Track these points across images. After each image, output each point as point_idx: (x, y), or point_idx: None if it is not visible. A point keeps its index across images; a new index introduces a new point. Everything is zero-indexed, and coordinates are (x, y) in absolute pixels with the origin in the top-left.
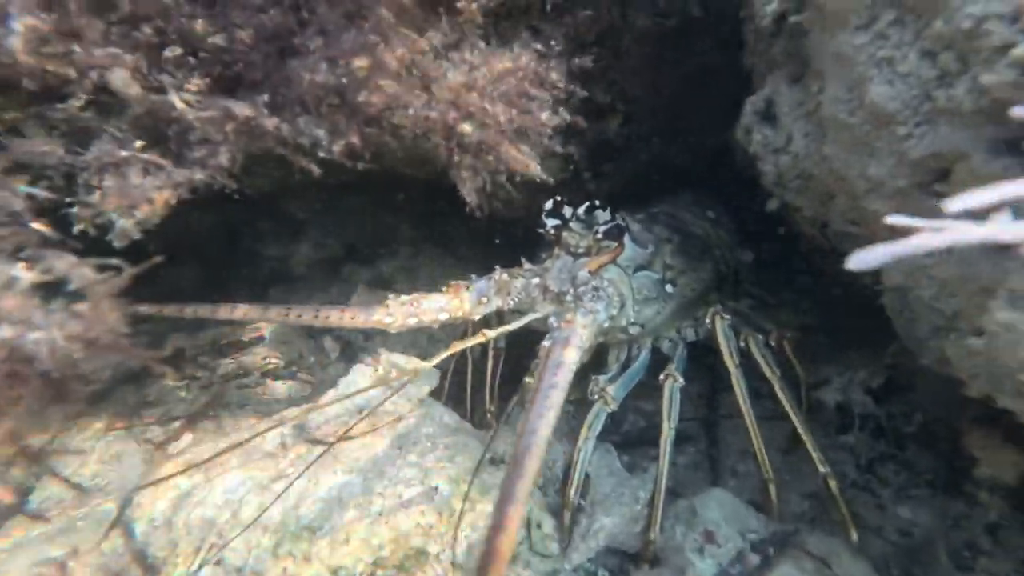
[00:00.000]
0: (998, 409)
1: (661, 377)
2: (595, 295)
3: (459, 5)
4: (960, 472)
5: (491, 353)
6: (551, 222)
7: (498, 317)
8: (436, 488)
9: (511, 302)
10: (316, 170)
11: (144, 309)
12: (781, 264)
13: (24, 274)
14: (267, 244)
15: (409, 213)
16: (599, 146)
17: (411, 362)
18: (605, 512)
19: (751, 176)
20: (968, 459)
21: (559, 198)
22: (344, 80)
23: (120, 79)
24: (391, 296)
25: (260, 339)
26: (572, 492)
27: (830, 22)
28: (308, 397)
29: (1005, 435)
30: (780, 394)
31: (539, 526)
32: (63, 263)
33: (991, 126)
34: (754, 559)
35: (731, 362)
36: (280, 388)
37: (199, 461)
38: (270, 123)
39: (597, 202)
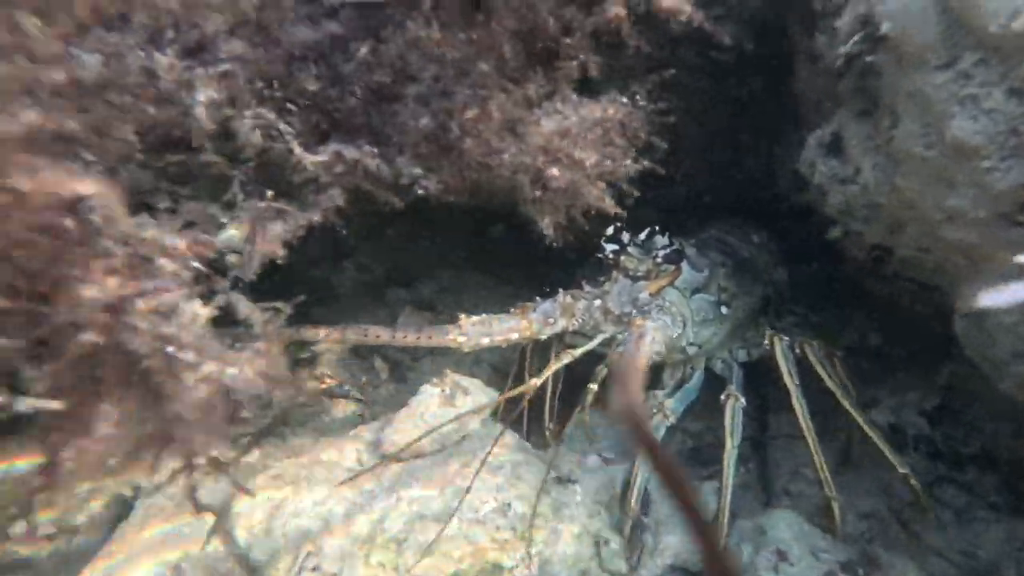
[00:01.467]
0: None
1: (723, 397)
2: (659, 312)
3: (558, 64)
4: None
5: (550, 375)
6: (610, 247)
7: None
8: (509, 505)
9: (575, 323)
10: (399, 204)
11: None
12: (823, 287)
13: (202, 311)
14: (312, 266)
15: (452, 238)
16: (643, 180)
17: (473, 384)
18: (669, 531)
19: (798, 202)
20: None
21: (619, 224)
22: (448, 127)
23: (246, 129)
24: (462, 317)
25: (314, 359)
26: (634, 504)
27: (907, 62)
28: (363, 416)
29: None
30: (844, 401)
31: (607, 543)
32: (244, 306)
33: None
34: None
35: (791, 381)
36: (337, 407)
37: (290, 475)
38: (372, 163)
39: (656, 227)
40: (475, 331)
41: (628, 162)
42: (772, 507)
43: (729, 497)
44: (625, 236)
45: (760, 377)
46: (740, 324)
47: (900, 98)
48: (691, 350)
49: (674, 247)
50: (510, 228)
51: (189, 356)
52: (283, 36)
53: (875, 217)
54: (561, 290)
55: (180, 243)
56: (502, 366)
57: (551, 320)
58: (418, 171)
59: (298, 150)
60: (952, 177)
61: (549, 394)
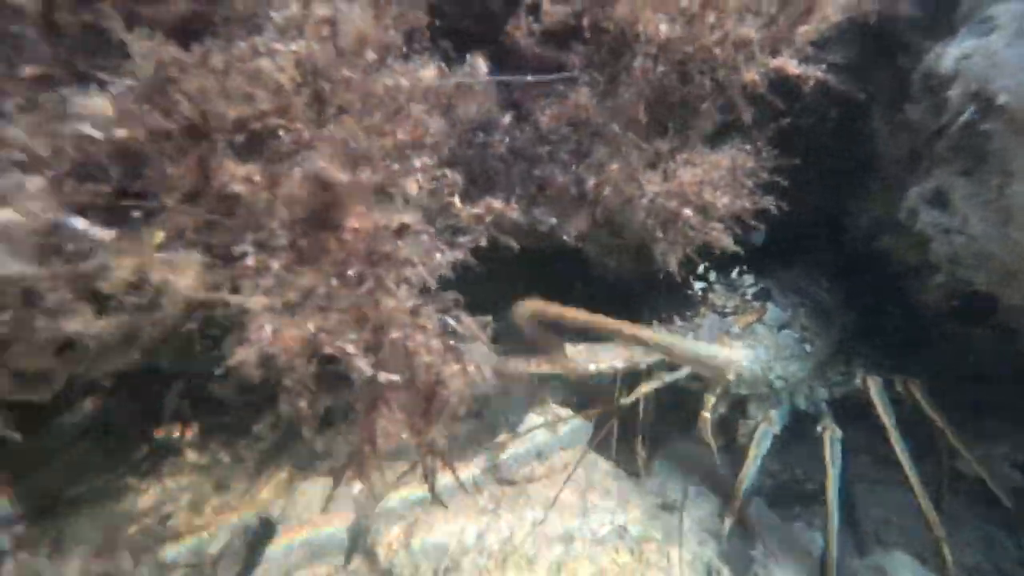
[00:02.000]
0: None
1: (819, 429)
2: (751, 342)
3: (691, 123)
4: None
5: (642, 404)
6: (698, 285)
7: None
8: (625, 528)
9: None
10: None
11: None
12: (892, 334)
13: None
14: None
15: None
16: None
17: (568, 412)
18: (779, 566)
19: (869, 251)
20: None
21: (707, 264)
22: (586, 181)
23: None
24: (568, 345)
25: None
26: (737, 501)
27: (1021, 130)
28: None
29: None
30: (951, 437)
31: (719, 573)
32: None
33: None
34: None
35: (888, 421)
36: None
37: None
38: (514, 214)
39: (745, 267)
40: (582, 359)
41: (748, 204)
42: (884, 549)
43: (836, 525)
44: (712, 275)
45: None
46: (821, 363)
47: (1014, 160)
48: (777, 383)
49: (761, 285)
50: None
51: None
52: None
53: (983, 266)
54: (656, 322)
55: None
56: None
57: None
58: (552, 220)
59: (457, 203)
60: None
61: (640, 422)
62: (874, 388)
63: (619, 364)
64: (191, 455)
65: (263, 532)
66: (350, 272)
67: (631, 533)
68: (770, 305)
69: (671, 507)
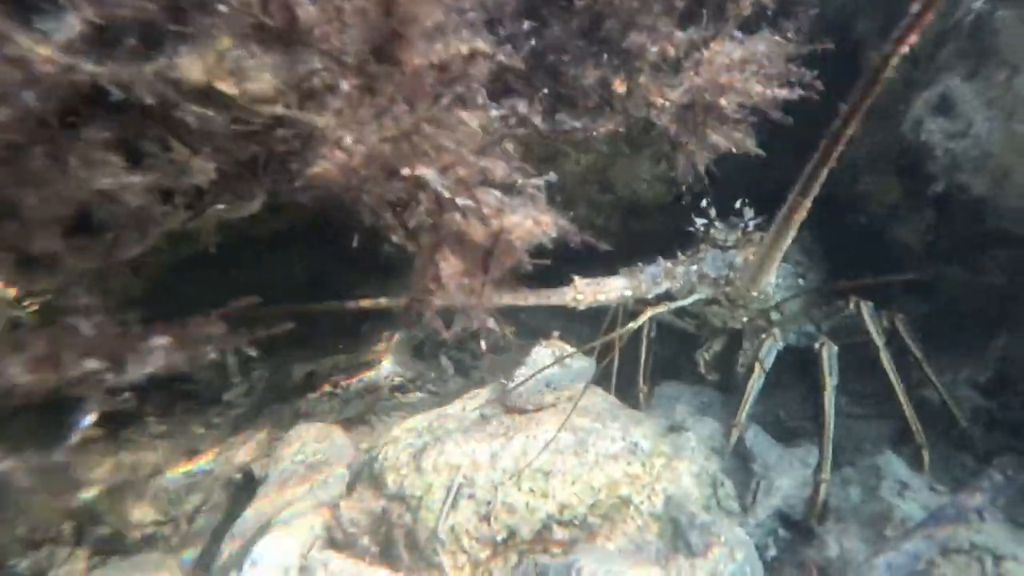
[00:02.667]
0: None
1: (817, 345)
2: None
3: (728, 6)
4: None
5: (645, 340)
6: (700, 221)
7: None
8: (636, 443)
9: (676, 285)
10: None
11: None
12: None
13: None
14: (357, 287)
15: None
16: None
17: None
18: (779, 474)
19: (849, 192)
20: None
21: (708, 199)
22: (612, 81)
23: None
24: (576, 278)
25: (378, 361)
26: (742, 416)
27: None
28: (440, 403)
29: None
30: (926, 368)
31: (722, 485)
32: None
33: None
34: (970, 500)
35: (879, 340)
36: (413, 398)
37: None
38: (537, 119)
39: (745, 200)
40: (589, 291)
41: (785, 91)
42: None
43: (831, 433)
44: (712, 212)
45: (811, 364)
46: (813, 298)
47: (1022, 52)
48: (774, 316)
49: (762, 218)
50: None
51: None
52: None
53: (982, 167)
54: (660, 257)
55: None
56: None
57: (658, 281)
58: (577, 124)
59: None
60: None
61: (643, 357)
62: (866, 311)
63: (627, 294)
64: (155, 426)
65: (246, 485)
66: (423, 92)
67: (642, 448)
68: None
69: (677, 428)
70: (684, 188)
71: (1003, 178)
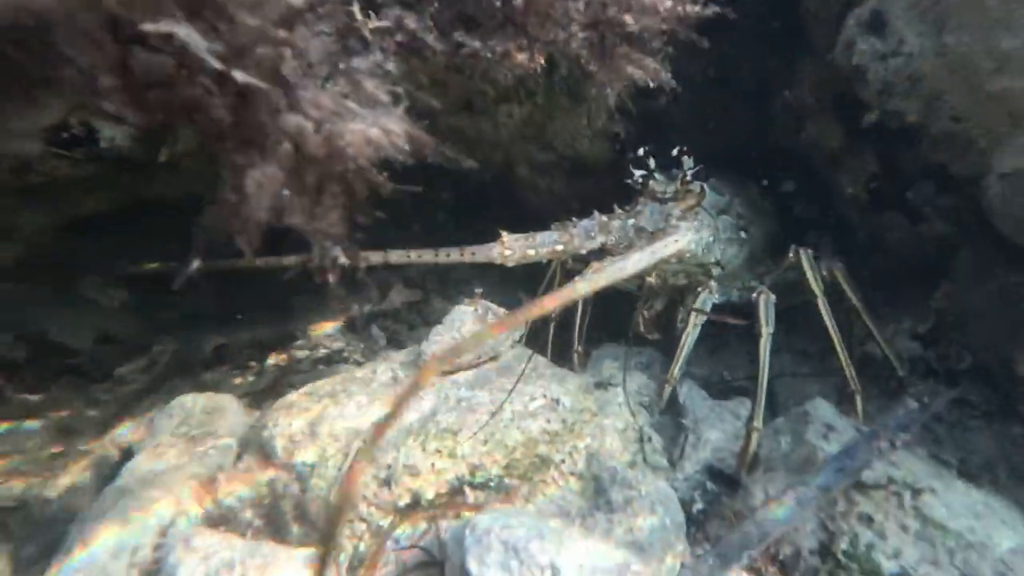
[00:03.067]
0: None
1: (754, 296)
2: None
3: None
4: (1015, 398)
5: (580, 301)
6: (638, 172)
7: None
8: (558, 400)
9: (611, 240)
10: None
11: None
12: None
13: None
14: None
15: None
16: (645, 123)
17: (500, 309)
18: (709, 427)
19: (793, 142)
20: (1022, 384)
21: (646, 148)
22: None
23: None
24: (504, 233)
25: (304, 334)
26: (676, 369)
27: None
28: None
29: None
30: (865, 316)
31: (650, 440)
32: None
33: None
34: (883, 429)
35: (817, 288)
36: (335, 371)
37: (324, 391)
38: (430, 36)
39: (684, 148)
40: (519, 246)
41: (698, 8)
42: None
43: (765, 381)
44: (651, 161)
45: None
46: (756, 252)
47: None
48: (715, 271)
49: (700, 167)
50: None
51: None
52: None
53: (914, 91)
54: (595, 211)
55: None
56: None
57: (592, 235)
58: (476, 43)
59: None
60: (1010, 17)
61: (579, 317)
62: (805, 259)
63: (558, 249)
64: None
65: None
66: None
67: (564, 404)
68: (707, 188)
69: (604, 384)
70: (622, 136)
71: (935, 100)
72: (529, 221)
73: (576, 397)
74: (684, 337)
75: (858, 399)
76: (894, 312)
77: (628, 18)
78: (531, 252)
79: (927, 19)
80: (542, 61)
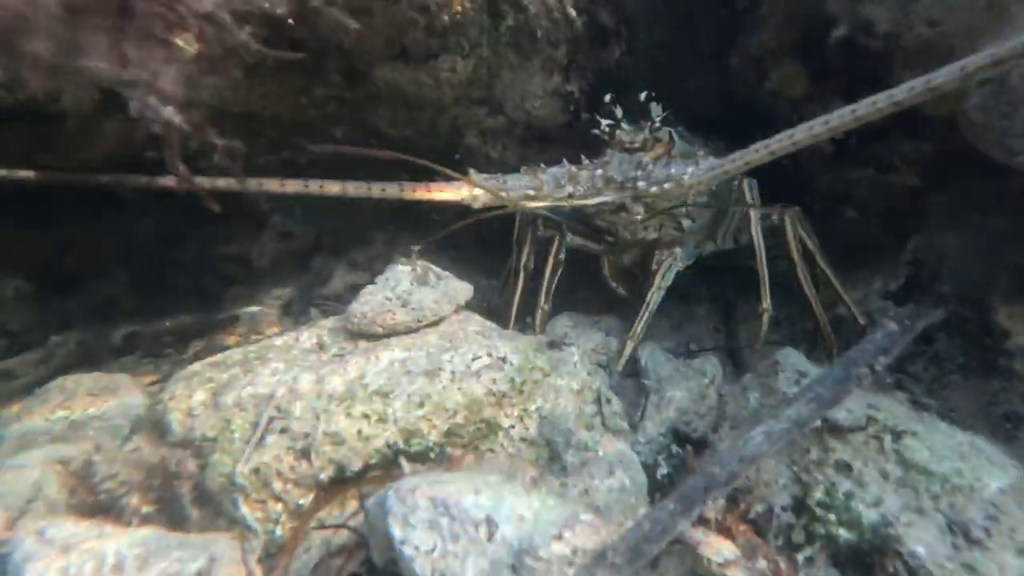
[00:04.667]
0: None
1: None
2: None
3: None
4: (992, 350)
5: (551, 260)
6: (605, 122)
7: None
8: (504, 358)
9: (579, 190)
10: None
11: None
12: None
13: None
14: (219, 243)
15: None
16: (600, 81)
17: (445, 273)
18: (673, 387)
19: (758, 93)
20: (1000, 334)
21: (612, 95)
22: None
23: None
24: (472, 171)
25: (234, 319)
26: (638, 328)
27: None
28: None
29: None
30: (822, 263)
31: (608, 402)
32: None
33: None
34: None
35: (797, 255)
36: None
37: (235, 359)
38: None
39: (651, 93)
40: (489, 186)
41: None
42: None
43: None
44: (618, 111)
45: (726, 291)
46: (723, 209)
47: None
48: (686, 223)
49: (668, 113)
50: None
51: None
52: None
53: None
54: (564, 159)
55: None
56: None
57: (561, 183)
58: None
59: None
60: None
61: (547, 275)
62: (789, 224)
63: (530, 193)
64: None
65: None
66: None
67: (512, 363)
68: (676, 137)
69: (558, 343)
70: (576, 96)
71: (909, 3)
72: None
73: (526, 355)
74: (647, 300)
75: (835, 352)
76: (864, 272)
77: None
78: (502, 195)
79: None
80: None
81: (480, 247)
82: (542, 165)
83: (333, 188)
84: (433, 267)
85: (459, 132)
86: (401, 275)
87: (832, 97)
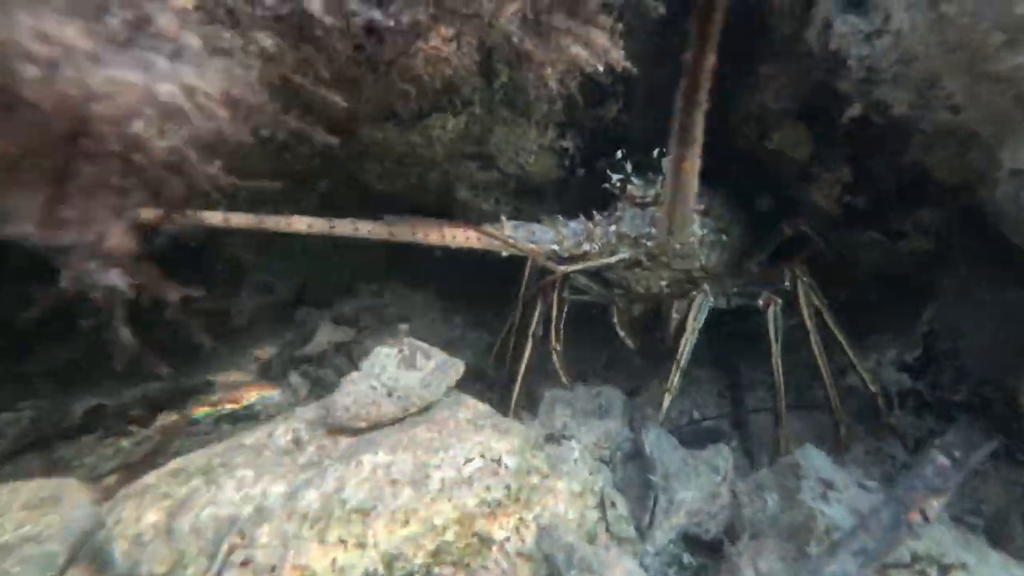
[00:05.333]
0: None
1: (761, 303)
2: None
3: None
4: (1020, 435)
5: (556, 299)
6: (615, 176)
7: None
8: (499, 460)
9: (595, 248)
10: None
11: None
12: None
13: None
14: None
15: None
16: (596, 137)
17: (434, 349)
18: (682, 485)
19: (760, 150)
20: None
21: (623, 151)
22: None
23: None
24: (504, 218)
25: (209, 387)
26: (674, 380)
27: None
28: None
29: None
30: (841, 337)
31: (613, 505)
32: None
33: None
34: (909, 496)
35: (809, 319)
36: (241, 429)
37: (198, 466)
38: (315, 5)
39: (663, 149)
40: (521, 235)
41: None
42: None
43: (783, 400)
44: (628, 165)
45: (731, 356)
46: (735, 258)
47: None
48: (698, 275)
49: None
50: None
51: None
52: None
53: (905, 75)
54: (581, 214)
55: None
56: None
57: (580, 240)
58: (375, 12)
59: None
60: None
61: (555, 315)
62: (801, 288)
63: (555, 248)
64: None
65: None
66: None
67: (507, 466)
68: None
69: (557, 437)
70: (571, 152)
71: (930, 87)
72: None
73: (522, 456)
74: (681, 348)
75: (842, 428)
76: (876, 340)
77: None
78: (532, 246)
79: None
80: (477, 57)
81: (465, 286)
82: (560, 217)
83: (345, 228)
84: (421, 345)
85: (450, 186)
86: (387, 359)
87: (839, 162)
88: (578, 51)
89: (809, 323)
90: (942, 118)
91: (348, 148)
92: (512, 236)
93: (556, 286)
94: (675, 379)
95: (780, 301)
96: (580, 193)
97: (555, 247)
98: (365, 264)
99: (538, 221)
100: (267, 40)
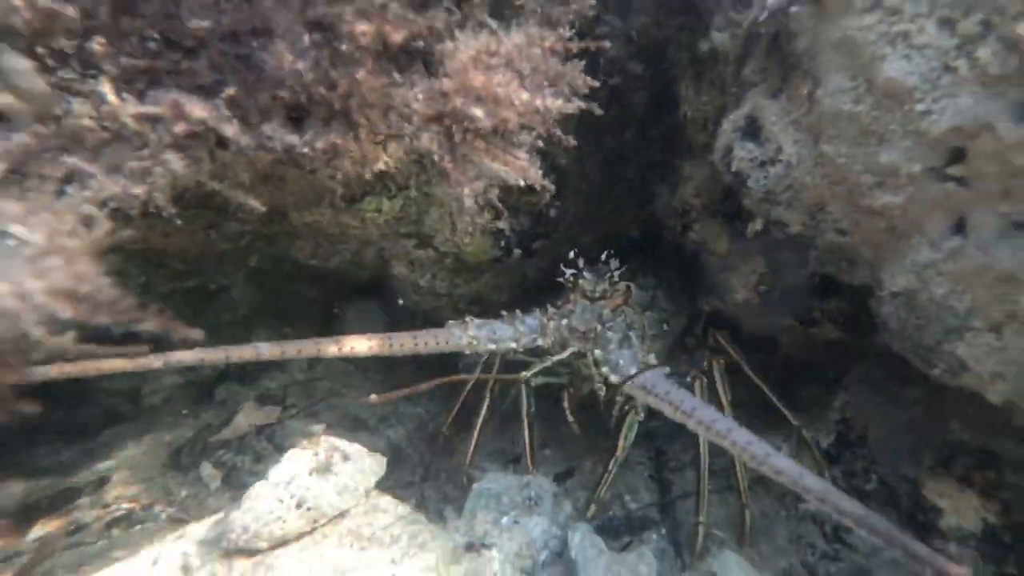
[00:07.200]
0: (954, 450)
1: (690, 380)
2: (623, 325)
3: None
4: (928, 529)
5: (524, 393)
6: (568, 271)
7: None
8: None
9: (548, 342)
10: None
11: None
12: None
13: None
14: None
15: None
16: (532, 221)
17: (354, 448)
18: None
19: (683, 240)
20: (932, 511)
21: (576, 250)
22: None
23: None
24: (468, 317)
25: (103, 482)
26: (602, 491)
27: (832, 7)
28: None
29: (962, 479)
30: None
31: None
32: None
33: (1017, 89)
34: None
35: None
36: (138, 535)
37: None
38: (229, 128)
39: (611, 251)
40: (483, 335)
41: (560, 101)
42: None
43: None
44: (580, 261)
45: (656, 438)
46: (676, 341)
47: (824, 54)
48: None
49: (626, 267)
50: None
51: None
52: None
53: (797, 200)
54: (536, 308)
55: None
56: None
57: (534, 335)
58: (293, 138)
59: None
60: (884, 129)
61: (526, 432)
62: (718, 372)
63: (513, 345)
64: None
65: None
66: None
67: None
68: (634, 287)
69: (476, 547)
70: (507, 233)
71: (819, 212)
72: (417, 319)
73: (437, 572)
74: (614, 460)
75: (747, 514)
76: (799, 420)
77: (477, 111)
78: (491, 346)
79: (801, 127)
80: (384, 160)
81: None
82: (517, 313)
83: (330, 349)
84: (340, 444)
85: (386, 262)
86: (298, 466)
87: (753, 256)
88: (499, 168)
89: (724, 400)
90: (832, 239)
91: (279, 226)
92: (476, 335)
93: (523, 398)
94: (602, 491)
95: (706, 380)
96: (519, 270)
97: (513, 344)
98: (296, 335)
99: (499, 317)
100: (178, 162)
